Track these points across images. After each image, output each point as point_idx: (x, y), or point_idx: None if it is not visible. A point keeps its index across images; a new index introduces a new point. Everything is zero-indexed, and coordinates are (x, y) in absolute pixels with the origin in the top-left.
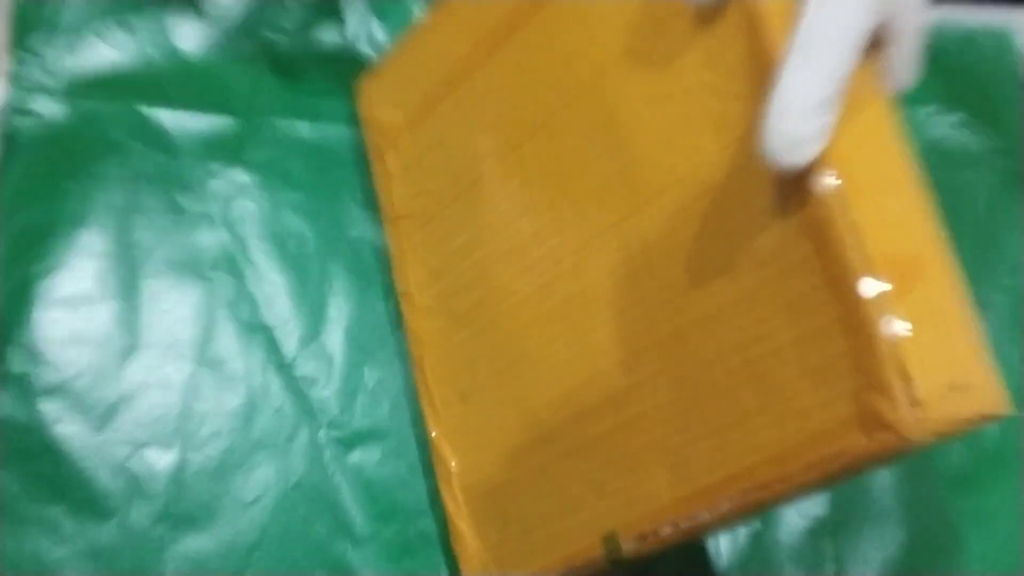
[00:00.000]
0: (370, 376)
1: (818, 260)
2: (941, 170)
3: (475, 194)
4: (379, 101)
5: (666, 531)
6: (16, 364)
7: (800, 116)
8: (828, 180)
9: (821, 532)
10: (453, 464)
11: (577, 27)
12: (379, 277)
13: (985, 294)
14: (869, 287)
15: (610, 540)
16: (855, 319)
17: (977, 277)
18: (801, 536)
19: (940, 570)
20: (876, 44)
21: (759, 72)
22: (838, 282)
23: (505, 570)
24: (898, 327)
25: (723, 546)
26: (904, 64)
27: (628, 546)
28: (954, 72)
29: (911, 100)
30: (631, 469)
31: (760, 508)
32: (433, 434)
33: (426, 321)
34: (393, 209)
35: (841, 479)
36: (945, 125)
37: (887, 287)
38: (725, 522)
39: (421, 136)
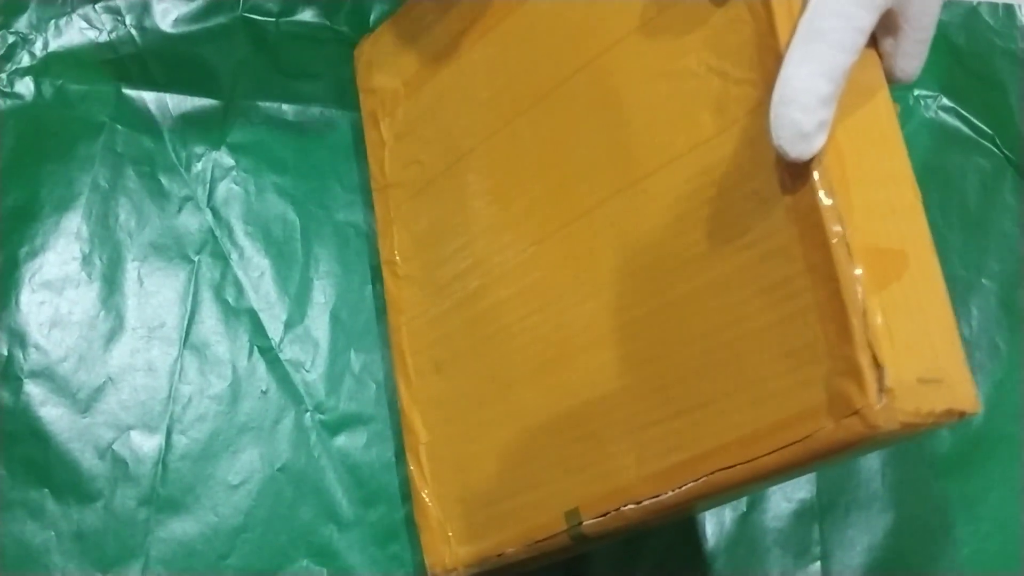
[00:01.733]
0: (356, 360)
1: (801, 246)
2: (933, 152)
3: (465, 166)
4: (377, 66)
5: (628, 509)
6: (1, 348)
7: (803, 111)
8: (821, 168)
9: (807, 516)
10: (422, 434)
11: (584, 3)
12: (365, 261)
13: (975, 278)
14: (849, 276)
15: (572, 515)
16: (833, 306)
17: (967, 261)
18: (787, 520)
19: (927, 554)
20: (885, 29)
21: (764, 58)
22: (819, 269)
23: (466, 544)
24: (874, 316)
25: (709, 529)
26: (911, 55)
27: (590, 522)
28: (950, 51)
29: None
30: (599, 445)
31: (725, 492)
32: (404, 402)
33: (407, 291)
34: (384, 177)
35: (808, 467)
36: (938, 107)
37: (867, 277)
38: (690, 505)
39: (416, 105)
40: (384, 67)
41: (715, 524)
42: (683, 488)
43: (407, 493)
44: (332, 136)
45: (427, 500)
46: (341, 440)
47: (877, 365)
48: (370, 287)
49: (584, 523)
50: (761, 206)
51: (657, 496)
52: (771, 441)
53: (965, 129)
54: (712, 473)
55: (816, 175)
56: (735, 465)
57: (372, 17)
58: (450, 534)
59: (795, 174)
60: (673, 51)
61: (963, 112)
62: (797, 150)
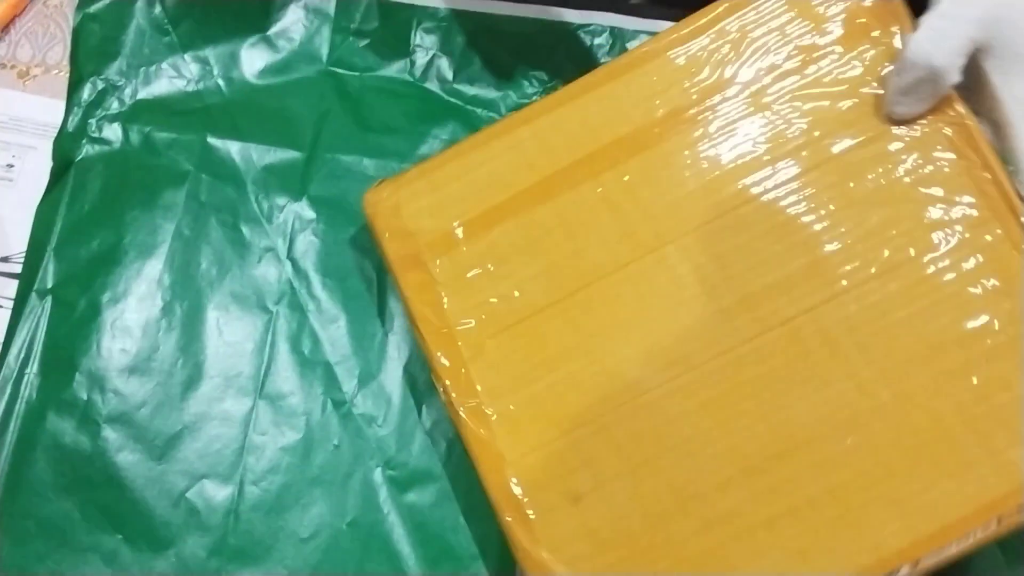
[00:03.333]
0: (427, 417)
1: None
2: None
3: (585, 296)
4: (414, 209)
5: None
6: (82, 391)
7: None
8: None
9: None
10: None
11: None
12: None
13: None
14: None
15: None
16: None
17: None
18: None
19: None
20: None
21: (979, 183)
22: None
23: None
24: None
25: None
26: None
27: None
28: None
29: None
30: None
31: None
32: (524, 546)
33: (505, 429)
34: (442, 318)
35: None
36: None
37: None
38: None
39: (489, 243)
40: (423, 210)
41: None
42: (980, 535)
43: (473, 553)
44: None
45: None
46: (411, 497)
47: None
48: None
49: None
50: (994, 295)
51: (944, 547)
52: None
53: None
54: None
55: None
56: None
57: (453, 73)
58: None
59: None
60: (874, 175)
61: None
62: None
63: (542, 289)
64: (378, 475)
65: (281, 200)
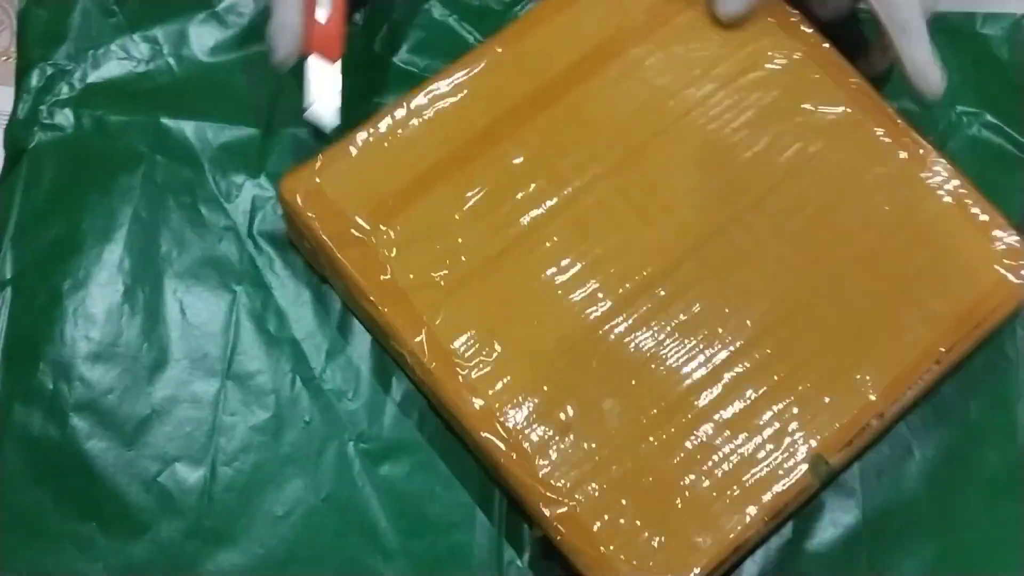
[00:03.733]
0: (397, 389)
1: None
2: (976, 171)
3: (534, 239)
4: (337, 189)
5: (873, 424)
6: (47, 381)
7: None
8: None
9: (855, 542)
10: (566, 502)
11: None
12: None
13: None
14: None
15: (817, 462)
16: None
17: None
18: (835, 546)
19: None
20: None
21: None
22: None
23: (693, 550)
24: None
25: (755, 557)
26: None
27: (837, 457)
28: (994, 66)
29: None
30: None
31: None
32: (525, 483)
33: (481, 380)
34: (393, 285)
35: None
36: (980, 124)
37: None
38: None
39: (427, 206)
40: (348, 188)
41: (761, 553)
42: (925, 377)
43: (452, 522)
44: None
45: (613, 552)
46: (385, 469)
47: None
48: None
49: (832, 461)
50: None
51: (899, 397)
52: (985, 309)
53: (1008, 146)
54: (947, 351)
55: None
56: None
57: (408, 42)
58: (650, 563)
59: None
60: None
61: (1007, 129)
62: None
63: (487, 241)
64: (351, 449)
65: (239, 178)
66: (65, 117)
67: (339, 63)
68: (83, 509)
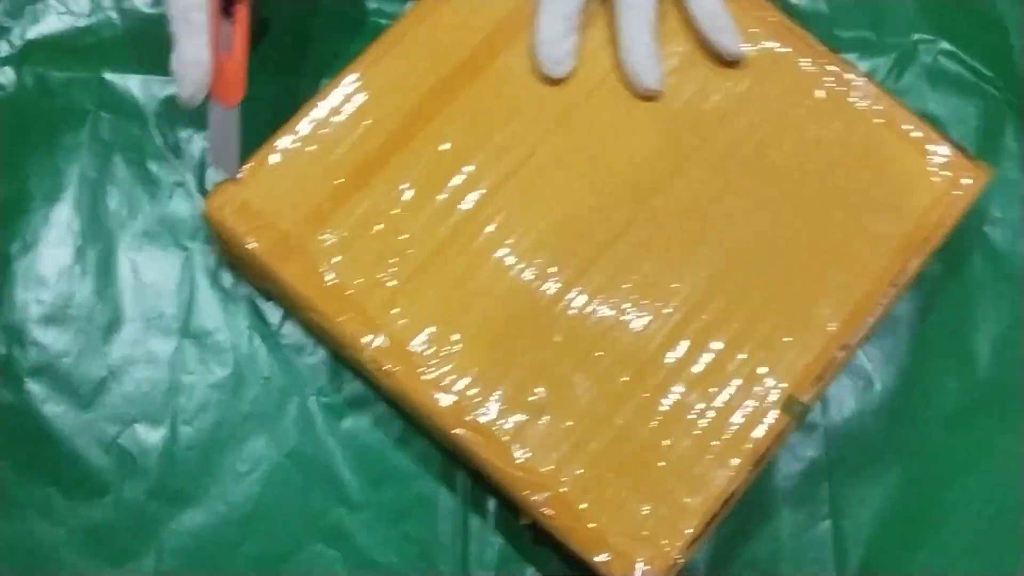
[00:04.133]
0: None
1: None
2: (933, 98)
3: (479, 221)
4: (265, 202)
5: (840, 355)
6: (0, 346)
7: (549, 44)
8: None
9: (816, 475)
10: (556, 481)
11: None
12: None
13: (976, 226)
14: None
15: (789, 403)
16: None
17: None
18: (796, 479)
19: (936, 510)
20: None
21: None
22: None
23: (679, 514)
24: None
25: None
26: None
27: (809, 394)
28: None
29: (903, 27)
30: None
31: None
32: (511, 471)
33: (446, 374)
34: (341, 293)
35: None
36: (937, 51)
37: None
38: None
39: (363, 204)
40: (276, 198)
41: None
42: (882, 302)
43: (415, 472)
44: None
45: (603, 526)
46: (347, 423)
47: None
48: None
49: (805, 399)
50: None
51: (860, 325)
52: (929, 224)
53: (965, 73)
54: (901, 271)
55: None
56: (920, 249)
57: None
58: (642, 531)
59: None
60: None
61: (963, 56)
62: (555, 71)
63: (429, 232)
64: (312, 404)
65: (187, 133)
66: (5, 75)
67: (239, 107)
68: (43, 474)
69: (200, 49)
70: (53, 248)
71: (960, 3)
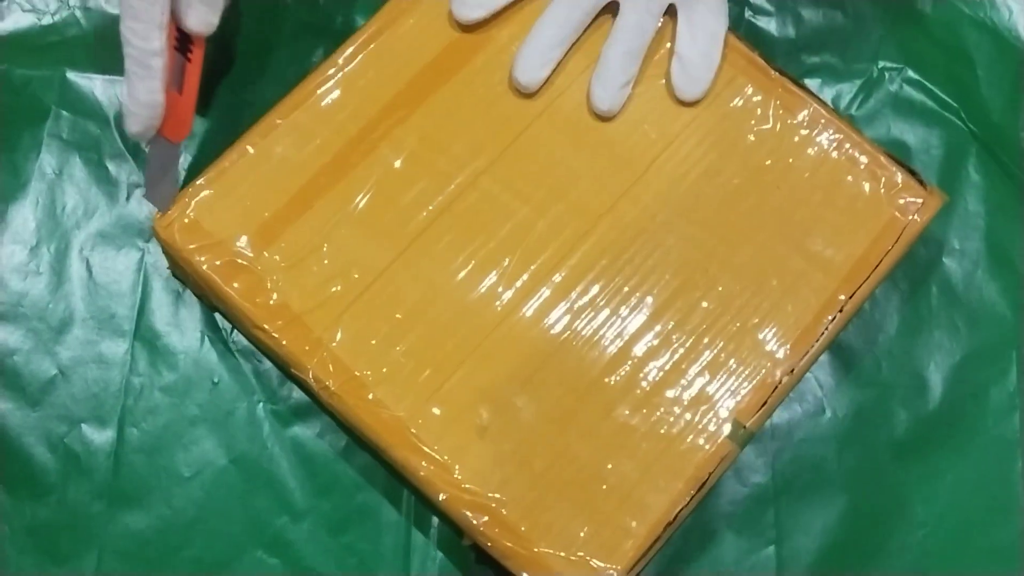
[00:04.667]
0: None
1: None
2: (897, 127)
3: (424, 242)
4: (211, 220)
5: (784, 381)
6: None
7: (532, 57)
8: None
9: (762, 500)
10: (491, 504)
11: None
12: None
13: (936, 256)
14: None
15: (735, 428)
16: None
17: (928, 239)
18: (742, 504)
19: (882, 537)
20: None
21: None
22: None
23: (625, 540)
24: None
25: None
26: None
27: (754, 420)
28: (916, 21)
29: (869, 54)
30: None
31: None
32: (450, 489)
33: (387, 388)
34: (288, 312)
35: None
36: (902, 80)
37: None
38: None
39: (310, 223)
40: (225, 216)
41: None
42: (829, 328)
43: (360, 483)
44: None
45: (545, 549)
46: (294, 431)
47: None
48: None
49: (749, 424)
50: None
51: (807, 351)
52: (879, 250)
53: (930, 102)
54: (848, 298)
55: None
56: (870, 275)
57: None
58: (583, 554)
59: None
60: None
61: (928, 85)
62: (528, 87)
63: (376, 252)
64: (260, 410)
65: None
66: None
67: (181, 143)
68: None
69: (154, 93)
70: (8, 245)
71: (927, 32)
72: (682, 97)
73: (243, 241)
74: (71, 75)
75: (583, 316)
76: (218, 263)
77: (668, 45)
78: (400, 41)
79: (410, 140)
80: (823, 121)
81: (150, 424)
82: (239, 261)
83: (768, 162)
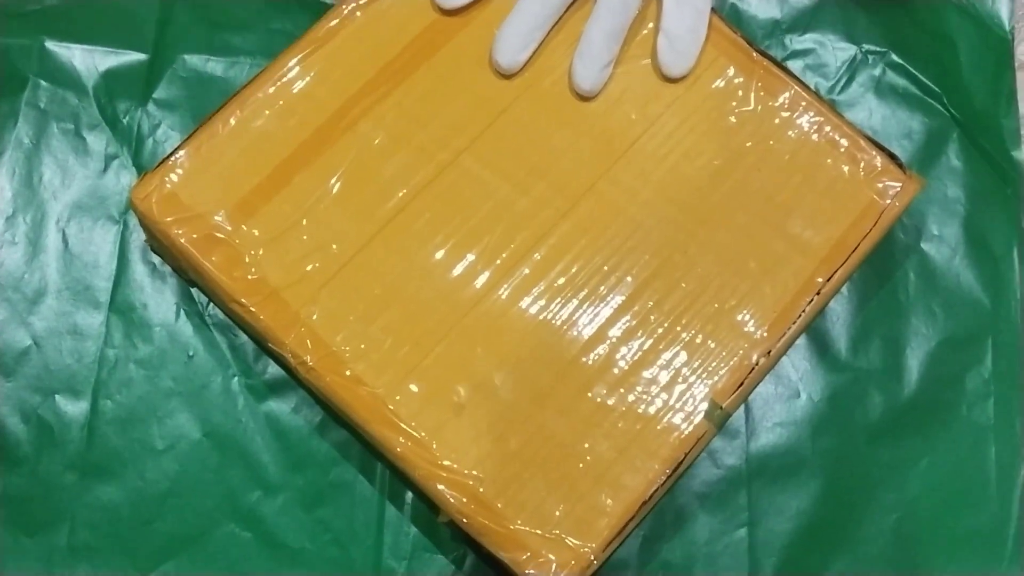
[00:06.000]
0: None
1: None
2: (879, 111)
3: (404, 220)
4: (192, 192)
5: (761, 363)
6: None
7: (511, 38)
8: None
9: (736, 482)
10: (468, 481)
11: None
12: None
13: (914, 243)
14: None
15: (712, 409)
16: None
17: (907, 226)
18: (715, 486)
19: (854, 521)
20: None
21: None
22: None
23: (599, 518)
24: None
25: None
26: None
27: (730, 400)
28: (900, 5)
29: (853, 38)
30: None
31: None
32: (427, 466)
33: (366, 370)
34: (266, 286)
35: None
36: (885, 64)
37: None
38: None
39: (290, 198)
40: (204, 189)
41: None
42: (807, 310)
43: (334, 458)
44: None
45: (520, 526)
46: (269, 405)
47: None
48: None
49: (725, 405)
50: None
51: (784, 332)
52: (857, 233)
53: (912, 87)
54: (826, 281)
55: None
56: (847, 258)
57: None
58: (558, 532)
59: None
60: None
61: (911, 70)
62: (509, 68)
63: (356, 228)
64: (235, 384)
65: (125, 105)
66: None
67: None
68: None
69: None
70: None
71: (911, 17)
72: (668, 73)
73: (221, 215)
74: (50, 44)
75: (562, 295)
76: (196, 236)
77: (651, 25)
78: (383, 17)
79: (391, 117)
80: (804, 104)
81: (124, 396)
82: (217, 235)
83: (748, 144)
